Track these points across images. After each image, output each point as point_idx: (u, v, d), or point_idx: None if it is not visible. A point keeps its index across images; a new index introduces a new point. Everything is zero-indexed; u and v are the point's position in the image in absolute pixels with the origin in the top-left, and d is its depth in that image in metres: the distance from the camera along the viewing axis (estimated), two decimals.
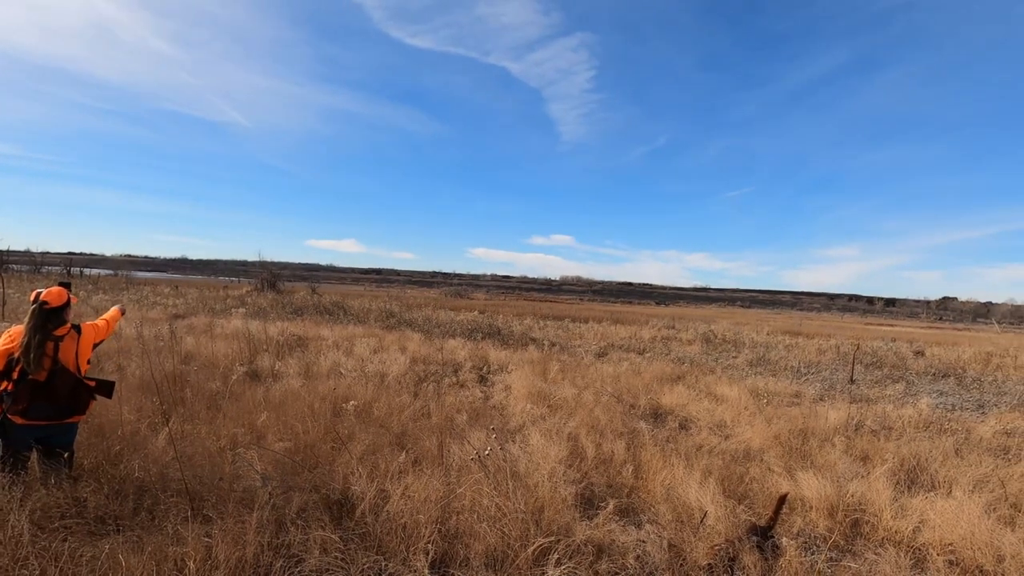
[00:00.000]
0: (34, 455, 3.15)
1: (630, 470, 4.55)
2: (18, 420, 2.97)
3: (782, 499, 3.36)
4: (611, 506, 3.64)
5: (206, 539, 2.62)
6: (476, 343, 13.45)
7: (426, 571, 2.70)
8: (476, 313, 26.13)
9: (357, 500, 3.38)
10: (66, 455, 3.18)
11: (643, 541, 3.21)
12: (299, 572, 2.59)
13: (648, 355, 14.09)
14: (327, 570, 2.64)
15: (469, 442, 4.44)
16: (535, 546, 2.87)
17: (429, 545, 2.87)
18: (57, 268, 43.65)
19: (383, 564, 2.75)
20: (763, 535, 3.15)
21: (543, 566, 2.77)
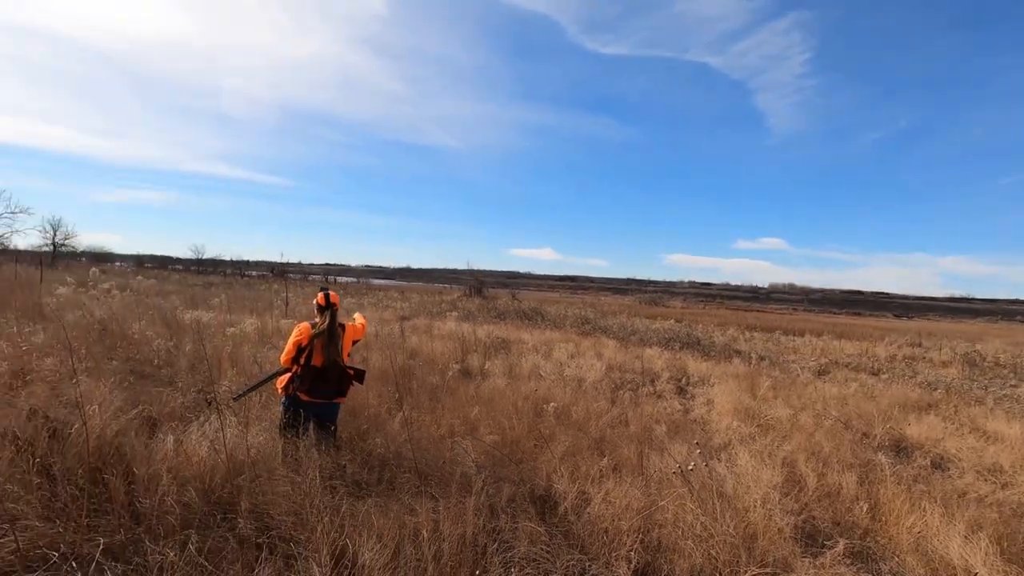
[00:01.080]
0: (311, 427, 3.96)
1: (864, 508, 3.91)
2: (303, 397, 3.77)
3: None
4: (841, 547, 3.18)
5: (433, 514, 2.99)
6: (674, 352, 12.92)
7: None
8: (672, 322, 25.10)
9: (559, 498, 3.52)
10: (333, 428, 3.92)
11: None
12: (510, 557, 2.79)
13: (885, 376, 11.94)
14: (534, 560, 2.80)
15: (670, 454, 4.29)
16: (748, 575, 2.65)
17: (631, 554, 2.86)
18: (318, 276, 54.15)
19: (586, 564, 2.82)
20: None
21: None
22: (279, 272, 46.50)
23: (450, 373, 7.46)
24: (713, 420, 6.55)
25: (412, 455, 3.91)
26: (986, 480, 5.03)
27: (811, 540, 3.48)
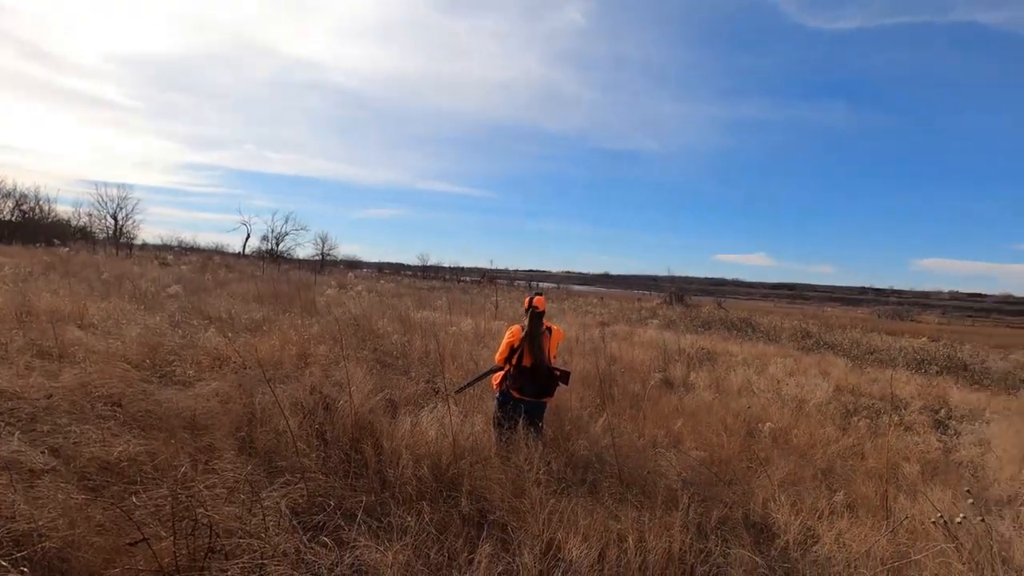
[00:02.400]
0: (520, 422, 4.23)
1: None
2: (515, 394, 4.05)
3: None
4: None
5: (637, 523, 2.95)
6: (928, 378, 10.68)
7: None
8: (926, 339, 20.73)
9: (779, 530, 3.19)
10: (540, 425, 4.14)
11: None
12: None
13: None
14: None
15: (927, 499, 3.56)
16: None
17: None
18: (522, 282, 57.67)
19: None
20: None
21: None
22: (489, 277, 50.91)
23: (652, 382, 7.28)
24: (989, 465, 5.24)
25: (615, 461, 3.91)
26: None
27: None
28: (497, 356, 4.20)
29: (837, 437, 5.56)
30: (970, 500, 3.62)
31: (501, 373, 4.18)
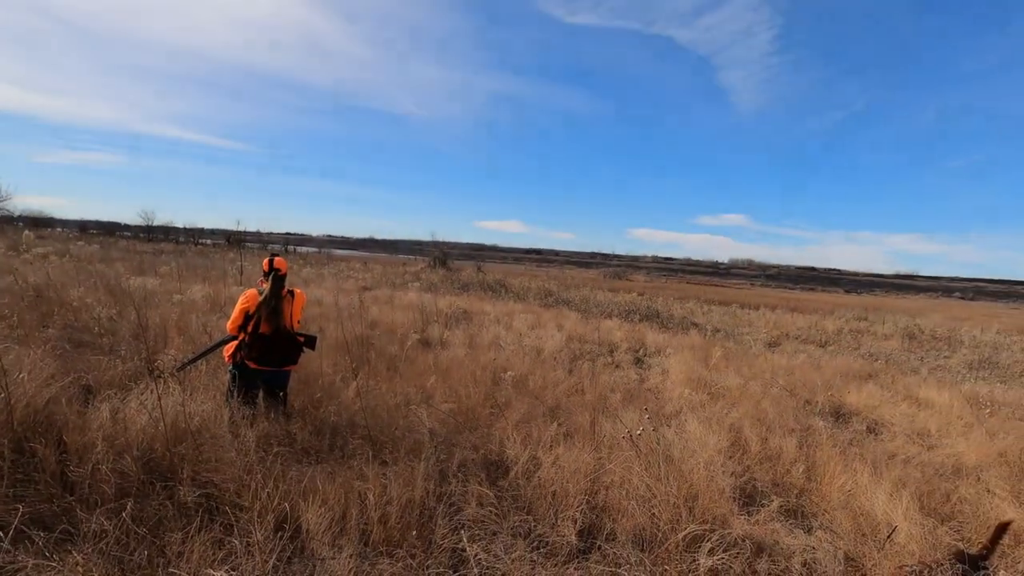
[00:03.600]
0: (260, 395, 3.87)
1: (801, 470, 4.11)
2: (251, 364, 3.67)
3: (1003, 526, 2.78)
4: (775, 504, 3.35)
5: (383, 479, 2.99)
6: (633, 325, 13.18)
7: (573, 538, 2.77)
8: (635, 295, 25.53)
9: (511, 463, 3.57)
10: (283, 395, 3.85)
11: (812, 547, 2.91)
12: (458, 519, 2.83)
13: (831, 348, 12.53)
14: (482, 521, 2.84)
15: (622, 421, 4.40)
16: (686, 532, 2.76)
17: (577, 514, 2.93)
18: (277, 246, 52.56)
19: (532, 524, 2.88)
20: (973, 564, 2.65)
21: (694, 553, 2.66)
22: (235, 240, 44.86)
23: (409, 343, 7.41)
24: (667, 389, 6.73)
25: (366, 423, 3.88)
26: (915, 443, 5.36)
27: (750, 500, 3.64)
28: (229, 324, 3.74)
29: (564, 378, 6.48)
30: (648, 417, 4.60)
31: (235, 343, 3.75)
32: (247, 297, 3.74)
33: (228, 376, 3.84)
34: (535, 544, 2.74)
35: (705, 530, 2.81)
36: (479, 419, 4.55)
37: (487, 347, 8.07)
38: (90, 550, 2.08)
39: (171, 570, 2.02)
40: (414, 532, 2.64)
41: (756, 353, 10.54)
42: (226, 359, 3.81)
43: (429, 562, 2.40)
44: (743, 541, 2.85)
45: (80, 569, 1.95)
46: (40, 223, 42.57)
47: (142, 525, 2.37)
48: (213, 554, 2.17)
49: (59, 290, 7.21)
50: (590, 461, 3.53)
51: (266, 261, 3.80)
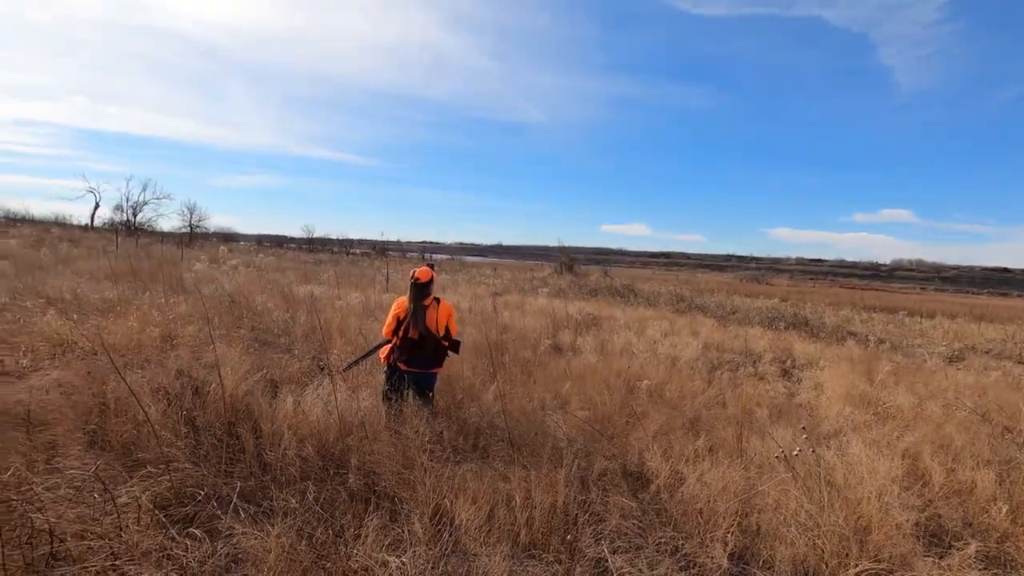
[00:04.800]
0: (410, 394, 4.19)
1: (1003, 510, 3.49)
2: (402, 366, 3.99)
3: None
4: (972, 549, 2.87)
5: (525, 482, 3.07)
6: (778, 333, 12.15)
7: (724, 561, 2.62)
8: (777, 300, 23.52)
9: (652, 476, 3.48)
10: (430, 396, 4.14)
11: None
12: (601, 529, 2.82)
13: None
14: (625, 534, 2.80)
15: (773, 438, 4.07)
16: (859, 568, 2.48)
17: (728, 536, 2.77)
18: (415, 254, 56.57)
19: (680, 542, 2.77)
20: None
21: None
22: (380, 250, 49.19)
23: (541, 348, 7.54)
24: (822, 406, 6.10)
25: (505, 425, 4.03)
26: None
27: (936, 539, 3.17)
28: (384, 329, 4.10)
29: (703, 389, 6.16)
30: (805, 436, 4.20)
31: (388, 346, 4.10)
32: (399, 304, 4.07)
33: (383, 376, 4.22)
34: (682, 564, 2.64)
35: (882, 569, 2.51)
36: (615, 428, 4.49)
37: (619, 354, 7.94)
38: (283, 525, 2.40)
39: (350, 550, 2.26)
40: (558, 538, 2.69)
41: (933, 368, 9.15)
42: (382, 360, 4.18)
43: (576, 570, 2.42)
44: None
45: (277, 541, 2.26)
46: (228, 238, 50.15)
47: (321, 506, 2.69)
48: (383, 539, 2.39)
49: (246, 296, 8.44)
50: (739, 480, 3.31)
51: (411, 273, 4.13)
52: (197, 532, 2.27)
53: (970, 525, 3.40)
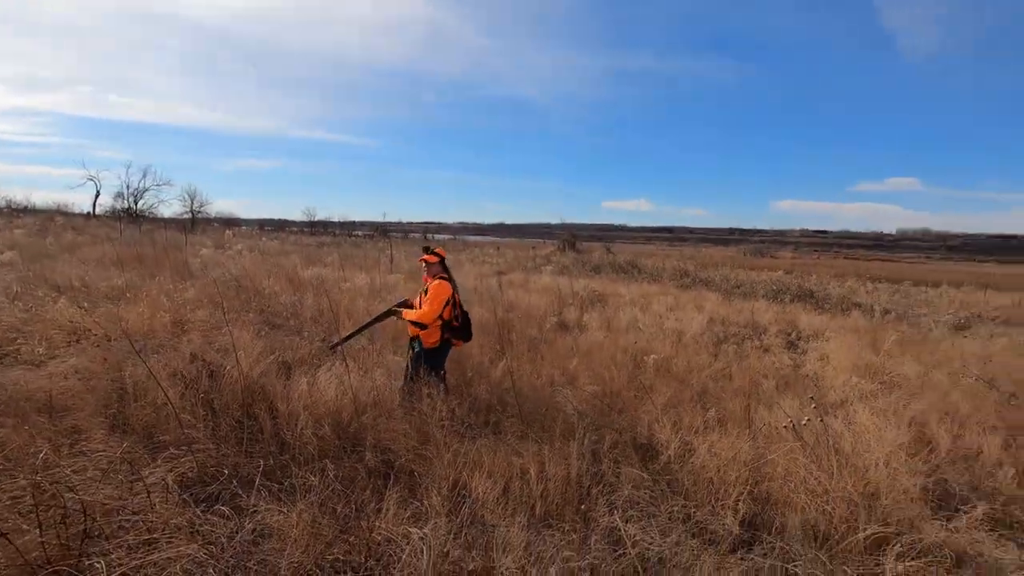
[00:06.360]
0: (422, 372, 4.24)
1: (1009, 474, 3.55)
2: (457, 343, 4.26)
3: None
4: (979, 512, 2.93)
5: (538, 456, 3.14)
6: (783, 305, 12.18)
7: (736, 528, 2.69)
8: (781, 273, 23.48)
9: (661, 447, 3.54)
10: (443, 373, 4.22)
11: None
12: (614, 499, 2.88)
13: None
14: (637, 503, 2.87)
15: (780, 409, 4.12)
16: (868, 532, 2.54)
17: (739, 504, 2.83)
18: (417, 234, 56.48)
19: (691, 510, 2.84)
20: None
21: (878, 556, 2.44)
22: (382, 231, 49.11)
23: (548, 326, 7.59)
24: (828, 376, 6.15)
25: (515, 401, 4.09)
26: None
27: (942, 504, 3.24)
28: (430, 314, 3.96)
29: (710, 363, 6.21)
30: (812, 405, 4.25)
31: (436, 329, 4.07)
32: (445, 287, 4.07)
33: (418, 355, 4.15)
34: (694, 530, 2.70)
35: (890, 533, 2.57)
36: (624, 402, 4.55)
37: (625, 330, 7.98)
38: (305, 502, 2.47)
39: (372, 523, 2.33)
40: (572, 508, 2.75)
41: (938, 338, 9.19)
42: (428, 343, 4.11)
43: (592, 538, 2.48)
44: (939, 549, 2.54)
45: (300, 516, 2.33)
46: (231, 223, 49.98)
47: (341, 483, 2.75)
48: (403, 512, 2.46)
49: (253, 280, 8.49)
50: (748, 450, 3.37)
51: (431, 254, 4.18)
52: (224, 509, 2.34)
53: (976, 489, 3.46)
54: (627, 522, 2.65)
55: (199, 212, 42.43)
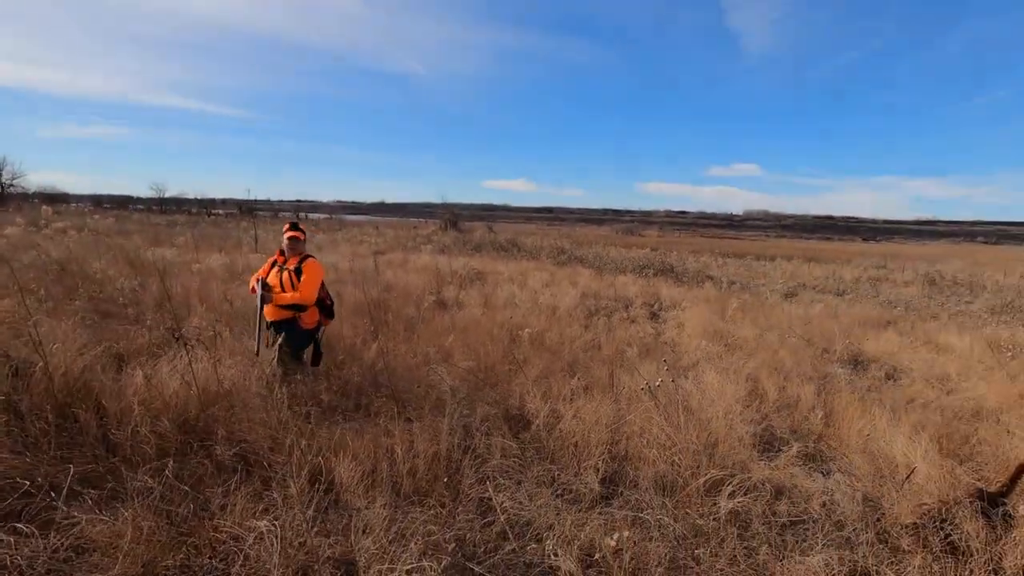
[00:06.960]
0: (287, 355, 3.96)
1: (819, 416, 4.16)
2: (326, 323, 4.14)
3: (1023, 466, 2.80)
4: (794, 450, 3.40)
5: (408, 435, 3.08)
6: (647, 280, 13.14)
7: (596, 486, 2.85)
8: (648, 250, 25.35)
9: (532, 417, 3.65)
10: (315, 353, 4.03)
11: (831, 490, 2.96)
12: (484, 470, 2.92)
13: (849, 297, 12.41)
14: (506, 471, 2.93)
15: (640, 373, 4.45)
16: (707, 477, 2.83)
17: (599, 463, 3.01)
18: (288, 213, 52.72)
19: (556, 473, 2.96)
20: (992, 502, 2.69)
21: (715, 497, 2.73)
22: (247, 210, 45.06)
23: (425, 304, 7.48)
24: (683, 342, 6.76)
25: (388, 382, 3.97)
26: (934, 388, 5.36)
27: (769, 446, 3.70)
28: (310, 296, 3.86)
29: (581, 334, 6.53)
30: (666, 368, 4.64)
31: (315, 310, 4.01)
32: (319, 266, 3.99)
33: (295, 338, 3.88)
34: (559, 492, 2.83)
35: (725, 475, 2.88)
36: (499, 376, 4.63)
37: (502, 306, 8.11)
38: (138, 506, 2.19)
39: (216, 522, 2.13)
40: (442, 483, 2.74)
41: (772, 304, 10.49)
42: (308, 325, 3.92)
43: (458, 509, 2.49)
44: (763, 485, 2.91)
45: (131, 523, 2.06)
46: (55, 199, 42.78)
47: (184, 482, 2.48)
48: (254, 507, 2.28)
49: (81, 263, 7.35)
50: (610, 413, 3.59)
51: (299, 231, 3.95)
52: (25, 527, 1.99)
53: (795, 431, 4.01)
54: (497, 491, 2.70)
55: (10, 186, 35.90)
